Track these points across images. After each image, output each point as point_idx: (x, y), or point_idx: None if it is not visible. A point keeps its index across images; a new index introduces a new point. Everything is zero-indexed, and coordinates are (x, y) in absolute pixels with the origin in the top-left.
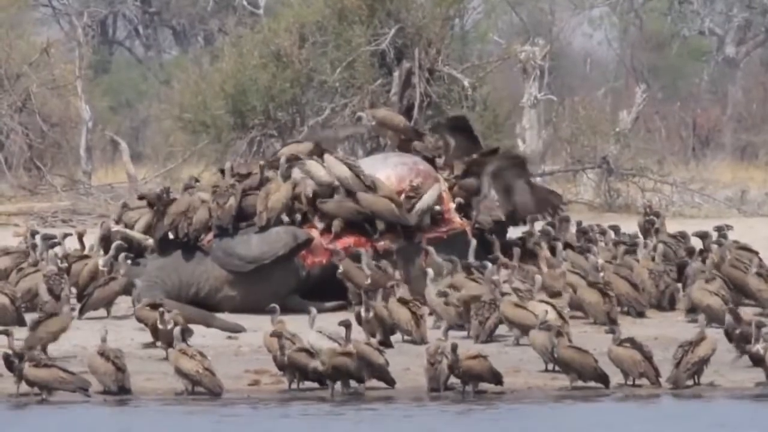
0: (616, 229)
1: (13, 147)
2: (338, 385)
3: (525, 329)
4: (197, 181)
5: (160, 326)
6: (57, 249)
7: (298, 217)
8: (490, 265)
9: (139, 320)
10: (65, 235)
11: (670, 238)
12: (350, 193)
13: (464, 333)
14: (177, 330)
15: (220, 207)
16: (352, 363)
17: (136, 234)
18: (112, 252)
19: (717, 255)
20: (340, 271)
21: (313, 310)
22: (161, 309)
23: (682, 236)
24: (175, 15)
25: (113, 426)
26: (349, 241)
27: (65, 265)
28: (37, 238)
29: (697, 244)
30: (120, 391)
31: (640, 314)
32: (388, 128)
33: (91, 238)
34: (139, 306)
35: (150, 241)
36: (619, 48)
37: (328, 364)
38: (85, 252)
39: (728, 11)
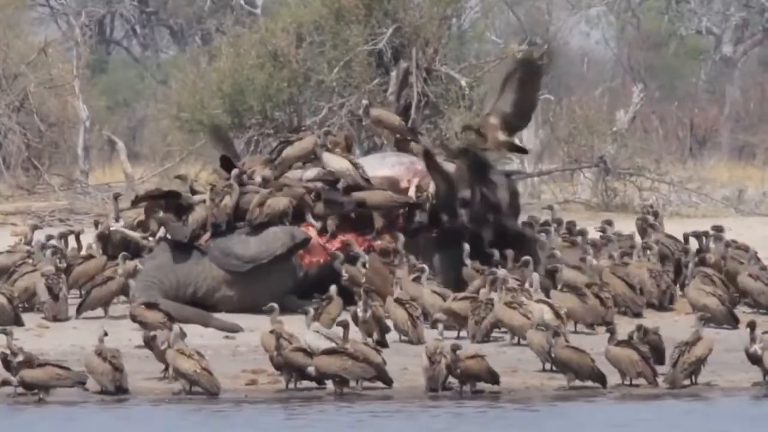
0: (608, 222)
1: (11, 147)
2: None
3: (515, 330)
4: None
5: (152, 343)
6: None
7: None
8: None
9: (134, 319)
10: (64, 235)
11: (667, 238)
12: (350, 189)
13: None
14: (176, 328)
15: (216, 205)
16: (340, 363)
17: (134, 234)
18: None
19: (716, 254)
20: (345, 278)
21: (311, 310)
22: (153, 333)
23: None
24: (172, 15)
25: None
26: (345, 240)
27: (64, 264)
28: (36, 246)
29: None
30: (117, 391)
31: (637, 315)
32: (384, 127)
33: (89, 237)
34: (134, 305)
35: (147, 241)
36: (616, 47)
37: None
38: (83, 252)
39: (725, 10)
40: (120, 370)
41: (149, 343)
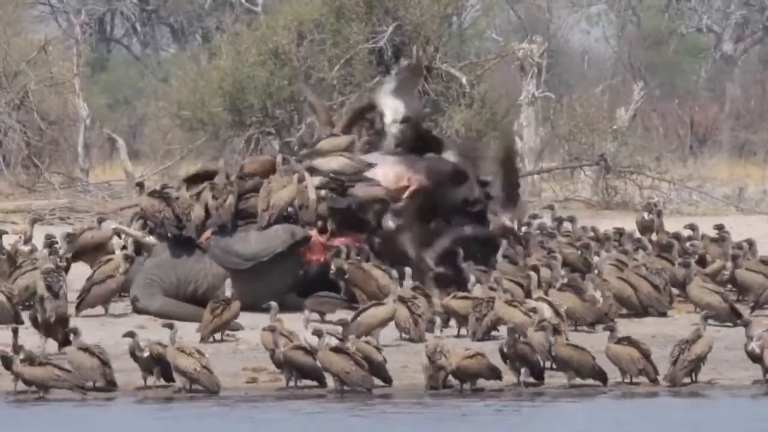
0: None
1: (11, 145)
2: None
3: (516, 328)
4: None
5: (137, 353)
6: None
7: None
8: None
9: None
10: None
11: (668, 237)
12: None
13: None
14: (175, 326)
15: (220, 205)
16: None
17: (134, 232)
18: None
19: (715, 254)
20: (333, 271)
21: (307, 313)
22: (136, 337)
23: (678, 236)
24: (172, 13)
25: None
26: (344, 239)
27: (64, 263)
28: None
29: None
30: (109, 385)
31: (663, 314)
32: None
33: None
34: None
35: (148, 239)
36: (617, 45)
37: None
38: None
39: (726, 8)
40: (108, 364)
41: (133, 353)
